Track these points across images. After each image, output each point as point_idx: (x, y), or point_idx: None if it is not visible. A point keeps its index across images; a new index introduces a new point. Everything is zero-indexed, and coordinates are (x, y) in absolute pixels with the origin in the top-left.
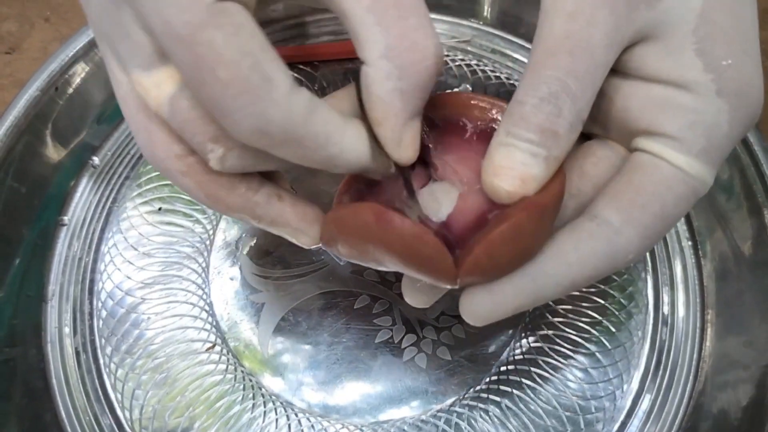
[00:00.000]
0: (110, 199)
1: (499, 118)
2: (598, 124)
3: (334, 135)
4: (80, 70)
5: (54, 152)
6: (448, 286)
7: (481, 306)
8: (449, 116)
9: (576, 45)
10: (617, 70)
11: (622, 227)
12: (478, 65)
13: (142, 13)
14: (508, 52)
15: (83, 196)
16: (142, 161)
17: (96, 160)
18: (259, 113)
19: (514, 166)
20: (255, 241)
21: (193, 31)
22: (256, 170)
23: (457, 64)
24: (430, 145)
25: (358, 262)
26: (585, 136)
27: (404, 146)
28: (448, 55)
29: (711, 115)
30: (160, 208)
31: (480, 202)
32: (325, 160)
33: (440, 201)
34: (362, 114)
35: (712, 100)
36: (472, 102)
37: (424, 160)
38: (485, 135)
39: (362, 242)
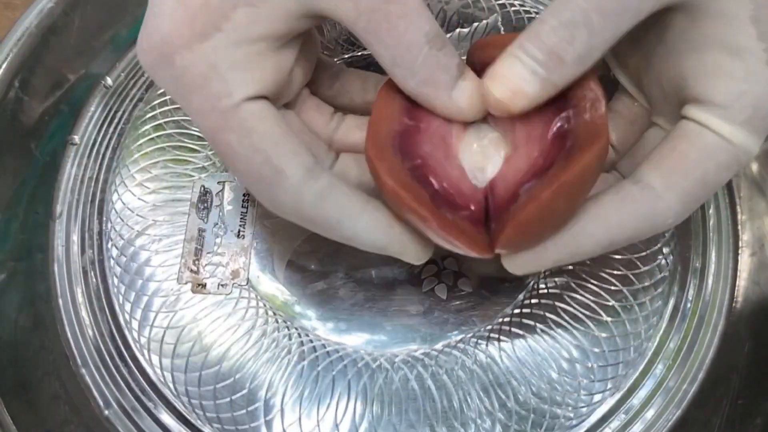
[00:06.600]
0: (122, 120)
1: None
2: (651, 93)
3: (348, 220)
4: None
5: (66, 69)
6: None
7: (521, 259)
8: None
9: None
10: (673, 37)
11: (663, 192)
12: None
13: None
14: None
15: (95, 116)
16: (157, 85)
17: (109, 80)
18: (272, 198)
19: (511, 77)
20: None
21: (213, 134)
22: None
23: None
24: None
25: None
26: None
27: None
28: None
29: (760, 84)
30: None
31: (519, 168)
32: (339, 239)
33: (489, 157)
34: None
35: (762, 70)
36: None
37: None
38: None
39: (404, 212)
